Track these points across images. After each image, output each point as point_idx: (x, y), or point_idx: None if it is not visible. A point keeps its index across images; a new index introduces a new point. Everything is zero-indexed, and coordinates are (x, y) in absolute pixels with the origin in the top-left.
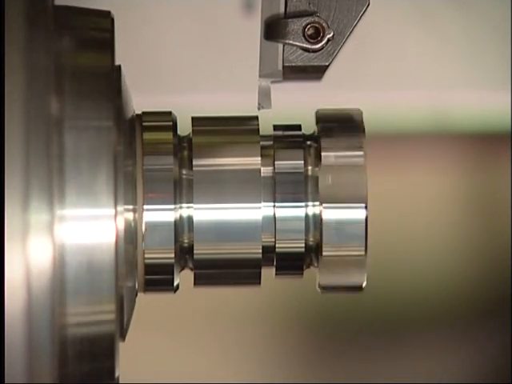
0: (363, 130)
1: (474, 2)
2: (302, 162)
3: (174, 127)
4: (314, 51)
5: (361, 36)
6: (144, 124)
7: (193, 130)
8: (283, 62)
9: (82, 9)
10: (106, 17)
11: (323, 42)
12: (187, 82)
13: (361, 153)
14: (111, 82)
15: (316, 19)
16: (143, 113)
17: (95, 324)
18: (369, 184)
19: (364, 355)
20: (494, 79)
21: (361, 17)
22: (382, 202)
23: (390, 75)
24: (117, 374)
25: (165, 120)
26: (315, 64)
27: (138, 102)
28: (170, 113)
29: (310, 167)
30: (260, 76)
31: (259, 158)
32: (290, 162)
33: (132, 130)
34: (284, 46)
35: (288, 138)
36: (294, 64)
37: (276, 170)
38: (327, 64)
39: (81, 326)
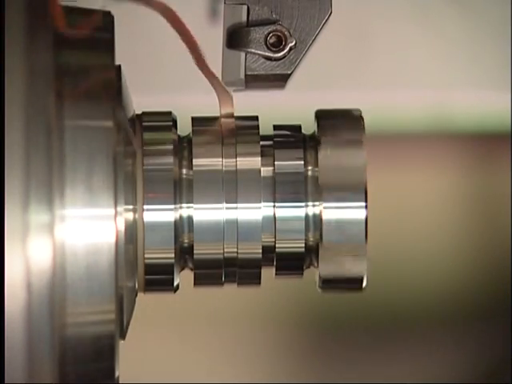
0: (363, 130)
1: (474, 2)
2: (302, 162)
3: (174, 127)
4: (277, 60)
5: (361, 36)
6: (144, 124)
7: (193, 130)
8: (245, 71)
9: (81, 9)
10: (106, 17)
11: (285, 51)
12: (187, 82)
13: (361, 153)
14: (111, 81)
15: (278, 28)
16: (143, 113)
17: (95, 324)
18: (369, 184)
19: (364, 355)
20: (494, 79)
21: (323, 25)
22: (381, 201)
23: (390, 75)
24: (117, 374)
25: (165, 120)
26: (277, 72)
27: (138, 102)
28: (169, 113)
29: (310, 167)
30: None
31: (259, 158)
32: (290, 163)
33: (132, 130)
34: (246, 55)
35: (288, 138)
36: (256, 73)
37: (276, 170)
38: (289, 72)
39: (81, 325)
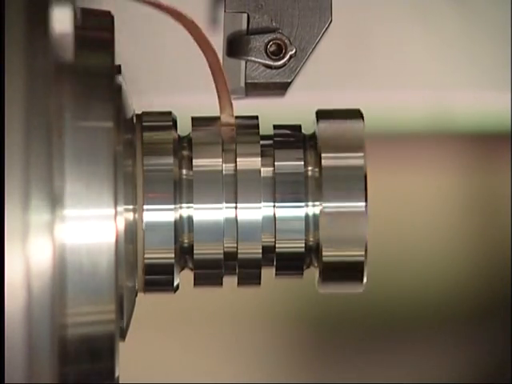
0: (363, 130)
1: (474, 2)
2: (302, 162)
3: (173, 127)
4: (277, 68)
5: (361, 36)
6: (144, 124)
7: (193, 130)
8: (245, 79)
9: (81, 9)
10: (106, 17)
11: (285, 59)
12: (187, 82)
13: (361, 153)
14: (111, 81)
15: (278, 36)
16: (143, 113)
17: (95, 324)
18: (368, 184)
19: (363, 355)
20: (494, 79)
21: (323, 34)
22: (381, 202)
23: (389, 75)
24: (117, 374)
25: (165, 120)
26: (277, 81)
27: (138, 102)
28: (169, 113)
29: (310, 167)
30: None
31: (259, 158)
32: (290, 163)
33: (132, 130)
34: (246, 63)
35: (288, 138)
36: (256, 81)
37: (276, 171)
38: (289, 81)
39: (81, 325)
